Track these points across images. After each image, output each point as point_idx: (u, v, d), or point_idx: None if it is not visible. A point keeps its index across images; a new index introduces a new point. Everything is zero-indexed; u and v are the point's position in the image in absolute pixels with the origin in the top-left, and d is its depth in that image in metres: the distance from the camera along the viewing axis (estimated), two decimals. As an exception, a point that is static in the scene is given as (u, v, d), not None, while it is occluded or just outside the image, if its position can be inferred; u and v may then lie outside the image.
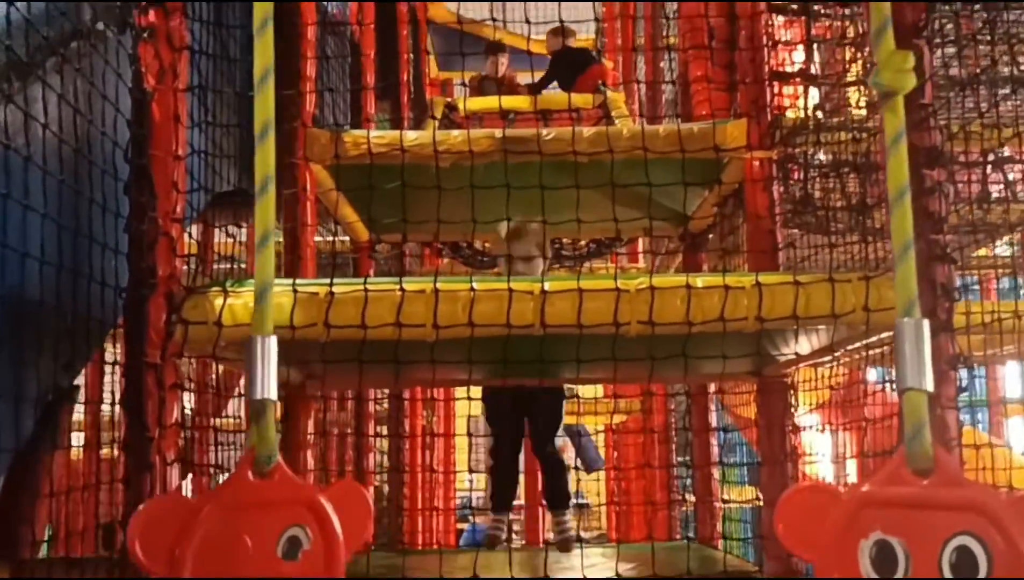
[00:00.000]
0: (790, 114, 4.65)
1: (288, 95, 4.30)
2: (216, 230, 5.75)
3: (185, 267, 2.99)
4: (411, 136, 4.14)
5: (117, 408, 2.85)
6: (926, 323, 1.70)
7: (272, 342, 1.99)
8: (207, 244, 5.68)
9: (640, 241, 6.92)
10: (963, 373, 2.90)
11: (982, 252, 6.41)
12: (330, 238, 5.86)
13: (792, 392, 3.92)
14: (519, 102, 7.44)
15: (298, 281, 2.96)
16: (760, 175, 3.78)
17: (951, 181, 4.09)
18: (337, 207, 4.55)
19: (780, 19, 4.86)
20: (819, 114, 4.36)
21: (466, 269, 6.15)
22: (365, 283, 2.91)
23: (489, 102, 7.80)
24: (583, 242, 6.13)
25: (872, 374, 6.71)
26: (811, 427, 4.75)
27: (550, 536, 4.65)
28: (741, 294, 2.86)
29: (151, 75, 2.93)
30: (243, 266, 6.19)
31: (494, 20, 3.45)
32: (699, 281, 2.88)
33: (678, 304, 2.86)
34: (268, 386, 1.96)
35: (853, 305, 2.85)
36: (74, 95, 2.68)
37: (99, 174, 2.80)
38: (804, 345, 3.37)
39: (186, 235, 3.06)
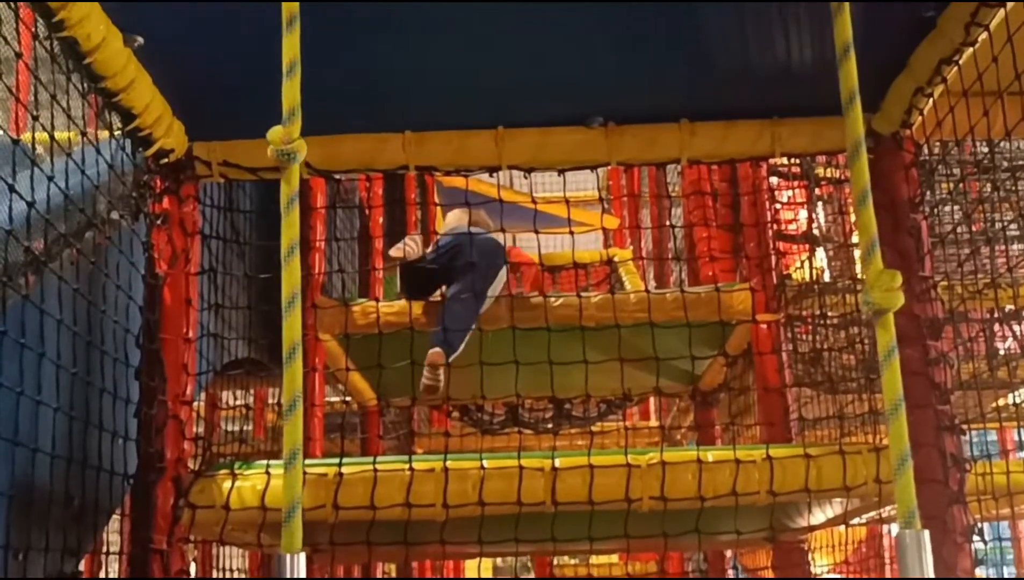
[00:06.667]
0: (796, 275, 4.71)
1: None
2: (222, 400, 5.76)
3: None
4: (420, 306, 4.20)
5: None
6: (926, 534, 1.69)
7: (301, 560, 1.89)
8: (213, 420, 5.69)
9: (651, 399, 6.91)
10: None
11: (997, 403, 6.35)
12: (335, 399, 5.88)
13: (810, 557, 3.87)
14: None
15: (307, 462, 2.94)
16: (767, 341, 3.80)
17: (958, 337, 4.10)
18: (347, 376, 4.58)
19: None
20: (825, 276, 4.41)
21: (475, 432, 6.13)
22: (375, 462, 2.91)
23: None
24: (593, 402, 6.11)
25: (894, 529, 6.60)
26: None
27: None
28: (752, 468, 2.85)
29: (163, 260, 2.99)
30: (249, 429, 6.18)
31: (502, 201, 3.53)
32: (710, 455, 2.88)
33: (690, 479, 2.85)
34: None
35: (864, 477, 2.84)
36: (88, 286, 2.72)
37: (111, 362, 2.82)
38: (818, 515, 3.34)
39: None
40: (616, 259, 7.47)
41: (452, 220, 4.98)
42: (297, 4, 1.77)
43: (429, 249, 4.70)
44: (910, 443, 2.80)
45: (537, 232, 3.64)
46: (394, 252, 4.48)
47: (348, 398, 5.39)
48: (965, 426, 2.85)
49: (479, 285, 4.42)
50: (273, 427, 5.42)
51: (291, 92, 1.75)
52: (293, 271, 1.86)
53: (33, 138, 2.68)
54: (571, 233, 3.62)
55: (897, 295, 1.35)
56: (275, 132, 1.73)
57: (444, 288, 4.52)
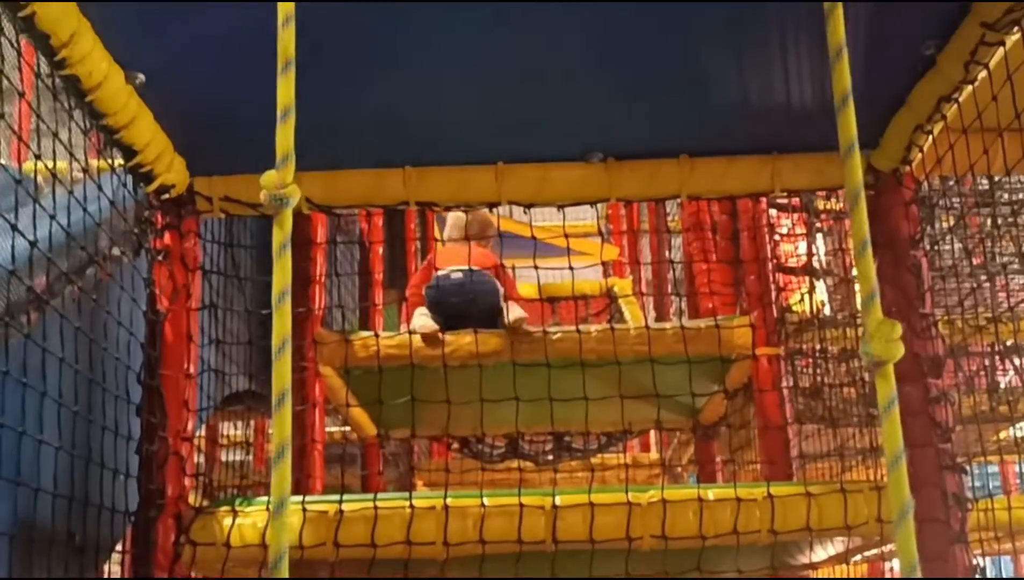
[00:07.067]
0: (796, 307, 4.71)
1: (298, 295, 4.38)
2: (222, 432, 5.76)
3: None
4: (420, 338, 4.18)
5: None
6: (929, 586, 1.69)
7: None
8: (213, 455, 5.68)
9: (652, 431, 6.89)
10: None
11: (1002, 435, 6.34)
12: (335, 429, 5.87)
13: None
14: (524, 291, 7.48)
15: (307, 498, 2.94)
16: (768, 376, 3.80)
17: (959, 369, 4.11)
18: (346, 402, 4.56)
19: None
20: (826, 310, 4.41)
21: (476, 463, 6.10)
22: (375, 499, 2.90)
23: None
24: (593, 435, 6.08)
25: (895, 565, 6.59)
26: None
27: None
28: (753, 506, 2.84)
29: (164, 296, 2.99)
30: (249, 459, 6.16)
31: (501, 236, 3.53)
32: (711, 493, 2.87)
33: (690, 518, 2.85)
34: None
35: (866, 516, 2.83)
36: (90, 323, 2.73)
37: (112, 399, 2.82)
38: (819, 553, 3.33)
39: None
40: (616, 290, 7.47)
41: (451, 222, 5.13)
42: (293, 47, 1.75)
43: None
44: (911, 483, 2.81)
45: (536, 267, 3.65)
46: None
47: (348, 428, 5.38)
48: (967, 459, 2.85)
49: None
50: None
51: (285, 137, 1.71)
52: (284, 317, 1.81)
53: (36, 172, 2.68)
54: (571, 269, 3.61)
55: (897, 346, 1.35)
56: (269, 177, 1.70)
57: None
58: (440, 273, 4.82)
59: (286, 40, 1.74)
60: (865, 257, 1.37)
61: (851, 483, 2.91)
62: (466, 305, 4.60)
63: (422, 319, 4.44)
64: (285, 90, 1.74)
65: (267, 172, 1.73)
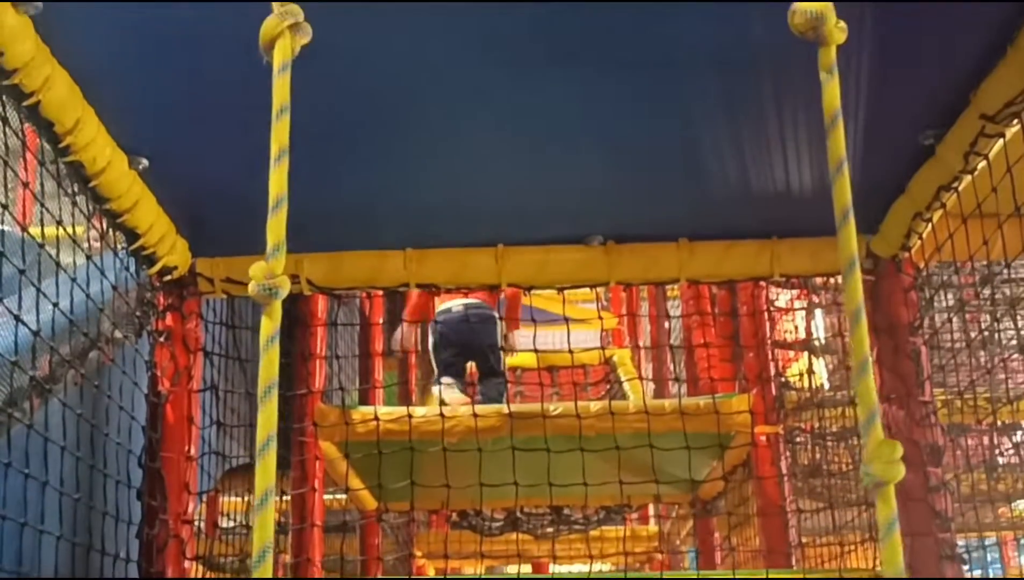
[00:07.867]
0: (792, 373, 4.70)
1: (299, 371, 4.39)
2: (222, 501, 5.73)
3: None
4: (419, 413, 4.18)
5: None
6: None
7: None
8: (212, 520, 5.64)
9: (651, 505, 6.84)
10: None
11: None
12: (337, 496, 5.83)
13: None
14: (524, 359, 7.50)
15: (306, 583, 2.93)
16: (767, 455, 3.79)
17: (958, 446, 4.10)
18: (346, 480, 4.55)
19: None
20: (825, 386, 4.41)
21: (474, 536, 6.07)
22: (374, 586, 2.88)
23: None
24: (592, 509, 6.05)
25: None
26: None
27: None
28: (753, 596, 2.83)
29: (166, 378, 3.00)
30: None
31: (500, 317, 3.55)
32: (710, 582, 2.86)
33: (690, 607, 2.83)
34: None
35: (866, 605, 2.81)
36: (91, 407, 2.73)
37: (112, 484, 2.81)
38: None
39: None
40: (615, 359, 7.46)
41: None
42: (287, 137, 1.71)
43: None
44: (911, 572, 2.79)
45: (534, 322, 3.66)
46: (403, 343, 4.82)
47: (343, 493, 5.36)
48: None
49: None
50: (276, 524, 5.37)
51: (276, 228, 1.65)
52: (269, 413, 1.73)
53: (39, 262, 2.69)
54: (569, 351, 3.62)
55: (898, 467, 1.33)
56: (258, 268, 1.63)
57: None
58: (441, 309, 5.20)
59: (280, 131, 1.70)
60: (866, 377, 1.37)
61: (850, 571, 2.89)
62: (466, 342, 5.10)
63: (451, 392, 4.63)
64: (278, 180, 1.67)
65: (256, 263, 1.67)
